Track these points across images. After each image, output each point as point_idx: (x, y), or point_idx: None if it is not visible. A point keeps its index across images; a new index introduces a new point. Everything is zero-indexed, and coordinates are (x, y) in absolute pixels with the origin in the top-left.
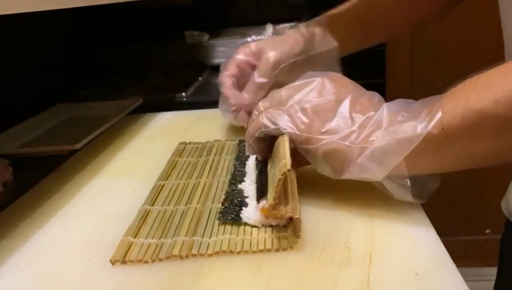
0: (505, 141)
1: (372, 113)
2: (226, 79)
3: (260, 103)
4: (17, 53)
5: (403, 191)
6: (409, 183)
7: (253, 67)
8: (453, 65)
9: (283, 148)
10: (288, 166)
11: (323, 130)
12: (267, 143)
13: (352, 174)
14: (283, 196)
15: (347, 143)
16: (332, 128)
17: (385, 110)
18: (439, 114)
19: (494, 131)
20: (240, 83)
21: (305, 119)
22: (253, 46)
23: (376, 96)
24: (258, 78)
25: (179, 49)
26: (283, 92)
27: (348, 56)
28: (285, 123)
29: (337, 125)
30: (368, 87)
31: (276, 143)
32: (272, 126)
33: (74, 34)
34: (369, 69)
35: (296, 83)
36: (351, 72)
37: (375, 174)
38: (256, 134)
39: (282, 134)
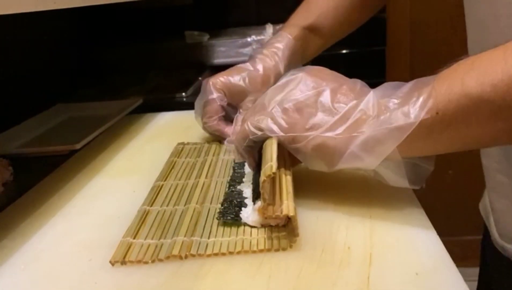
0: (501, 126)
1: (355, 102)
2: (219, 124)
3: (246, 113)
4: (17, 53)
5: (398, 177)
6: (404, 169)
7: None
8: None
9: (270, 150)
10: (274, 169)
11: (307, 126)
12: (258, 148)
13: (345, 164)
14: (278, 196)
15: (333, 135)
16: (316, 122)
17: (372, 97)
18: (433, 99)
19: (490, 116)
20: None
21: (287, 119)
22: (222, 84)
23: (357, 83)
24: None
25: (179, 49)
26: (265, 96)
27: (349, 56)
28: (269, 127)
29: (320, 119)
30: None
31: (264, 145)
32: (259, 133)
33: (74, 34)
34: (369, 69)
35: (277, 84)
36: (352, 72)
37: (368, 163)
38: (245, 143)
39: (270, 137)
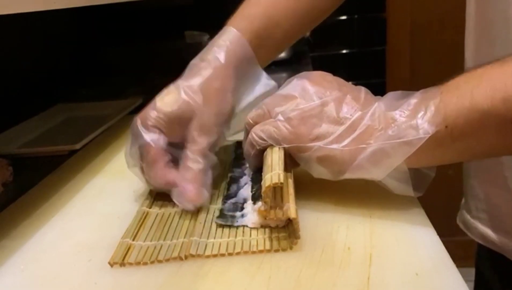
0: (510, 139)
1: (361, 113)
2: (164, 175)
3: (248, 116)
4: (17, 53)
5: (403, 186)
6: (409, 179)
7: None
8: (453, 65)
9: (277, 157)
10: (281, 179)
11: (311, 136)
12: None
13: (351, 175)
14: (279, 198)
15: (338, 147)
16: (320, 133)
17: (377, 109)
18: (441, 113)
19: (500, 130)
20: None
21: (291, 129)
22: (155, 119)
23: (362, 91)
24: (193, 167)
25: (179, 49)
26: (268, 103)
27: (349, 56)
28: (273, 137)
29: (325, 130)
30: (368, 87)
31: (269, 148)
32: (263, 143)
33: (74, 34)
34: (369, 69)
35: (279, 91)
36: (352, 72)
37: (375, 174)
38: (252, 152)
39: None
